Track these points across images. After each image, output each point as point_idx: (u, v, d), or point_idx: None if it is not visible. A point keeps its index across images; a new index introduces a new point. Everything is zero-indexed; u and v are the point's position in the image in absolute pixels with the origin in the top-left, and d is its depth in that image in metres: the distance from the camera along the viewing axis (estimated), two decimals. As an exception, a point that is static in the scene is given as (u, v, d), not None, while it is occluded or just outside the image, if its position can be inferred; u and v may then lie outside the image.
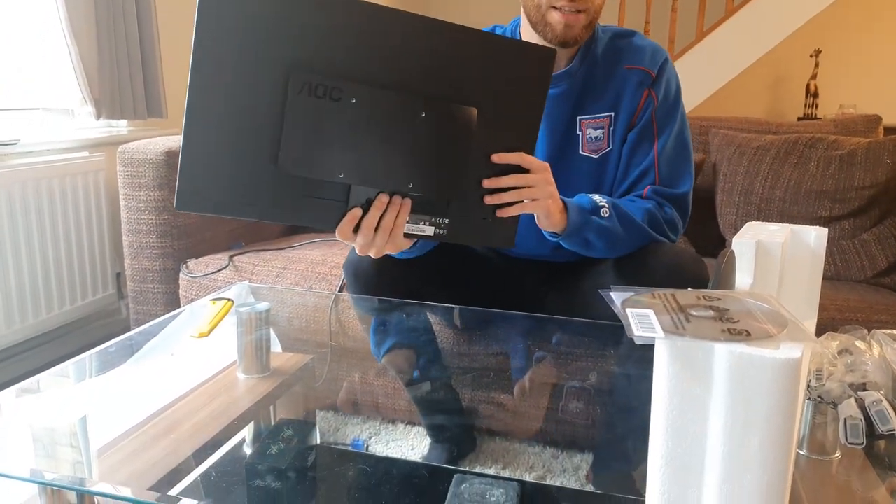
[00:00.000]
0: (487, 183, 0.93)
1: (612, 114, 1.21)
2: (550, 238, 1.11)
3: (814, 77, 4.15)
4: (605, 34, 1.23)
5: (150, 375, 1.09)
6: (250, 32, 0.80)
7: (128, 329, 1.24)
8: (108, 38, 2.08)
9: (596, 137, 1.22)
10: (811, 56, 4.15)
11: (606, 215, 1.09)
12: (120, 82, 2.14)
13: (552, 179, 1.00)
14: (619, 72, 1.20)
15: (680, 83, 1.25)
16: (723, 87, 3.69)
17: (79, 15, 1.97)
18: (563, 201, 1.06)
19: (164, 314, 1.25)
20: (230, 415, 1.03)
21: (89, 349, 1.07)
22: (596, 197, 1.11)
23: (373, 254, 0.94)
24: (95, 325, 2.19)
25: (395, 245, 0.93)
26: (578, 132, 1.23)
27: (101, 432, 0.93)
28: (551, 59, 0.91)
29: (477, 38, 0.87)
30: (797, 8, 3.54)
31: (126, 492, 0.80)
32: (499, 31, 1.26)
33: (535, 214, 1.04)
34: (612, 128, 1.21)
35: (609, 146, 1.22)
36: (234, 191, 0.83)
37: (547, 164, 0.98)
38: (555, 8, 1.10)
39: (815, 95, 4.15)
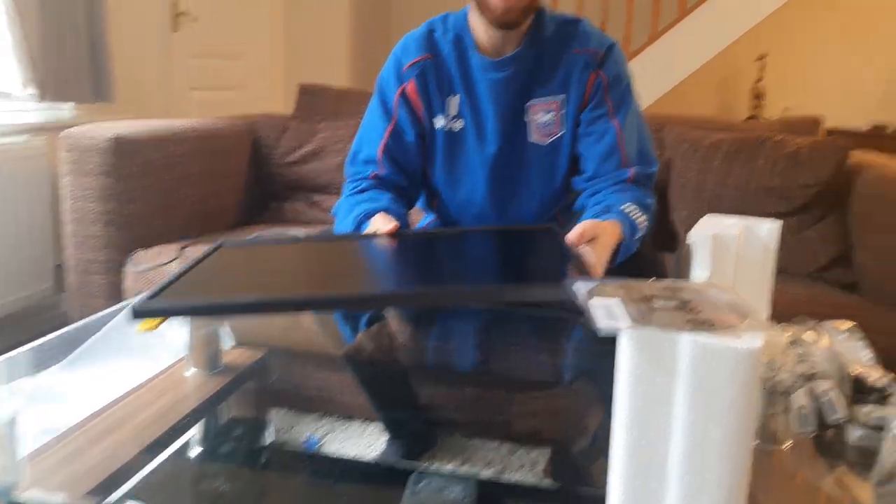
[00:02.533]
0: None
1: (563, 96, 1.21)
2: None
3: (760, 80, 4.28)
4: (553, 21, 1.23)
5: (90, 373, 1.04)
6: None
7: (65, 324, 1.18)
8: (54, 16, 1.99)
9: (547, 122, 1.22)
10: (757, 60, 4.27)
11: (641, 230, 1.10)
12: (66, 63, 2.04)
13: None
14: (567, 55, 1.21)
15: (630, 76, 1.26)
16: (675, 87, 3.77)
17: (21, -6, 1.88)
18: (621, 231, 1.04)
19: (108, 308, 1.20)
20: (177, 413, 0.99)
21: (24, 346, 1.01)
22: (633, 211, 1.09)
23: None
24: (31, 321, 2.10)
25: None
26: (526, 119, 1.22)
27: (35, 435, 0.87)
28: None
29: None
30: (744, 13, 3.66)
31: (59, 498, 0.75)
32: (451, 19, 1.25)
33: None
34: (563, 111, 1.21)
35: (561, 130, 1.22)
36: None
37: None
38: None
39: (762, 97, 4.28)
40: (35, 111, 2.12)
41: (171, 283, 0.91)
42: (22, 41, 1.89)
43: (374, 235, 1.07)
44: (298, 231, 1.19)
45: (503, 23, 1.13)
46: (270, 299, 0.78)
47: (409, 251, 1.02)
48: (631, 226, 1.07)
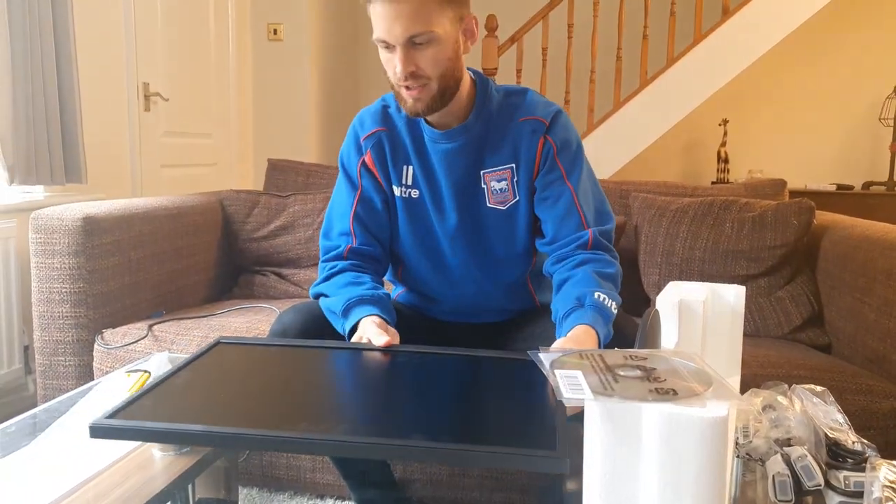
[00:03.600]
0: None
1: (513, 165, 1.24)
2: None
3: (723, 144, 4.41)
4: (499, 93, 1.26)
5: (55, 456, 1.01)
6: None
7: (34, 406, 1.15)
8: (26, 101, 2.01)
9: (501, 189, 1.25)
10: (720, 125, 4.42)
11: (615, 313, 1.11)
12: (37, 147, 2.06)
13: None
14: (514, 125, 1.24)
15: (580, 140, 1.29)
16: (640, 154, 3.87)
17: (-8, 78, 1.91)
18: (596, 334, 1.05)
19: (76, 388, 1.17)
20: (143, 496, 0.96)
21: (-13, 430, 0.99)
22: (605, 299, 1.10)
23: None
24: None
25: None
26: (483, 185, 1.25)
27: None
28: None
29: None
30: (703, 82, 3.79)
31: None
32: (389, 99, 1.29)
33: None
34: (515, 179, 1.24)
35: (515, 197, 1.25)
36: None
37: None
38: (402, 86, 1.14)
39: (726, 161, 4.40)
40: (5, 193, 2.11)
41: (154, 386, 0.94)
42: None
43: (365, 347, 1.07)
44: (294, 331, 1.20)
45: (415, 112, 1.17)
46: (229, 435, 0.79)
47: (394, 376, 1.02)
48: (605, 318, 1.08)
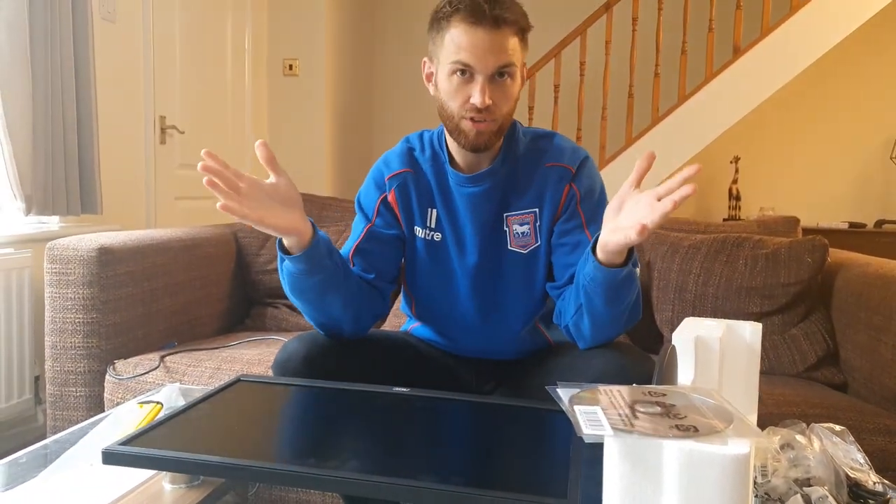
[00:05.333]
0: None
1: (537, 210, 1.24)
2: (597, 271, 1.06)
3: (735, 181, 4.42)
4: (526, 136, 1.27)
5: (65, 488, 1.01)
6: None
7: (43, 437, 1.15)
8: (45, 133, 2.05)
9: (523, 233, 1.24)
10: (731, 162, 4.43)
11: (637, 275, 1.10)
12: (54, 178, 2.09)
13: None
14: (540, 170, 1.24)
15: (604, 185, 1.29)
16: (652, 190, 3.87)
17: (16, 111, 1.94)
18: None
19: (87, 419, 1.17)
20: (153, 530, 0.95)
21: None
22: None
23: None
24: (7, 434, 2.03)
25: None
26: (505, 228, 1.25)
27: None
28: None
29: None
30: (715, 119, 3.82)
31: None
32: (426, 136, 1.30)
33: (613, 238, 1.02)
34: (537, 223, 1.24)
35: (537, 241, 1.24)
36: None
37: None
38: (466, 118, 1.15)
39: (738, 198, 4.41)
40: (21, 224, 2.13)
41: (170, 418, 0.95)
42: (11, 158, 1.93)
43: (387, 392, 1.07)
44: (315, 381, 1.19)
45: (475, 146, 1.17)
46: (241, 467, 0.81)
47: (410, 419, 1.02)
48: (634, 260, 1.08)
